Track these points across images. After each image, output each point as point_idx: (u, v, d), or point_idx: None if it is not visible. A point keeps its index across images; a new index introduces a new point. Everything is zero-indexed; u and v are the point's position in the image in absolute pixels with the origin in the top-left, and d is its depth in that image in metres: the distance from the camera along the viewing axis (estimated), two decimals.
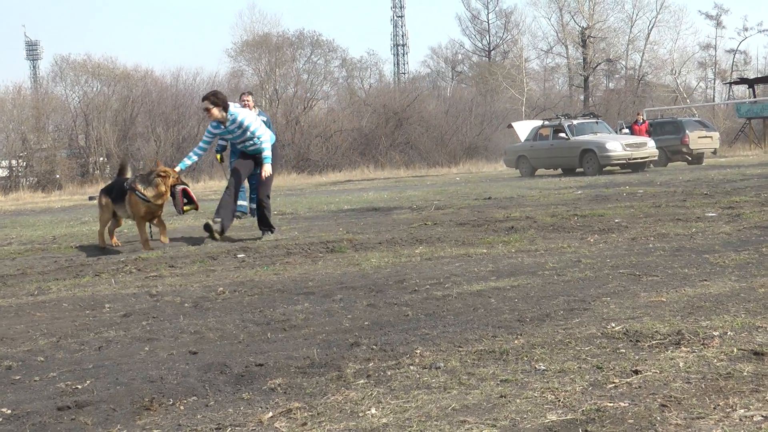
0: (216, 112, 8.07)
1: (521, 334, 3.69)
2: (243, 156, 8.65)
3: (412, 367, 3.25)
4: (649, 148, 22.02)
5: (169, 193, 8.00)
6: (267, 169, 8.21)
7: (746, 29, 58.63)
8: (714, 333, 3.49)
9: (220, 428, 2.69)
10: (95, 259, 7.47)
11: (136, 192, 7.94)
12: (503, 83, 48.31)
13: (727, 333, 3.48)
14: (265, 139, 8.28)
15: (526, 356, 3.31)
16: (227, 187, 8.43)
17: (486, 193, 14.55)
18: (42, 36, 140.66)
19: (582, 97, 53.08)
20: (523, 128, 25.88)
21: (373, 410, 2.76)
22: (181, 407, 2.95)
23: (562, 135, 22.42)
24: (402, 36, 78.24)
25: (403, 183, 24.13)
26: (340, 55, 54.41)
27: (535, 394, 2.81)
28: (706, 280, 4.76)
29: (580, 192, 13.71)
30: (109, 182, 9.67)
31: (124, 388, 3.15)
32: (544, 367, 3.13)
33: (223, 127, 8.24)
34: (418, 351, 3.49)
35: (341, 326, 4.12)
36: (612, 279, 4.98)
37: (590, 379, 2.95)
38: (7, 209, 21.33)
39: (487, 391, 2.88)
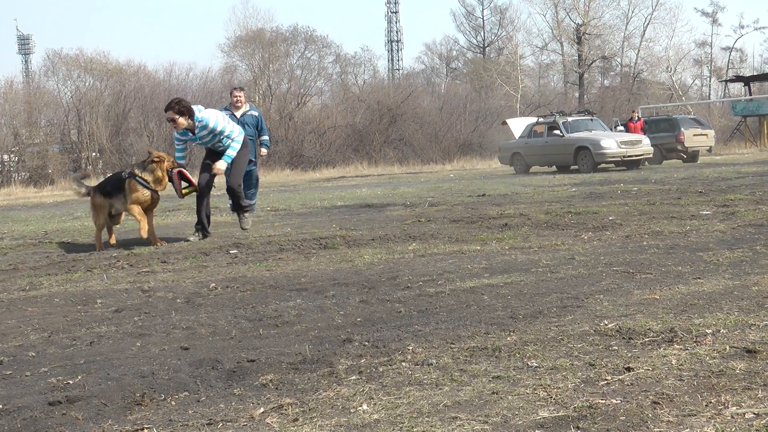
0: (183, 121, 7.76)
1: (514, 331, 3.69)
2: (211, 155, 8.33)
3: (404, 364, 3.25)
4: (644, 145, 22.05)
5: (167, 179, 7.93)
6: (219, 166, 8.04)
7: (742, 26, 58.98)
8: (707, 330, 3.49)
9: (212, 423, 2.68)
10: (87, 255, 7.45)
11: (137, 177, 7.81)
12: (498, 80, 48.33)
13: (720, 330, 3.49)
14: (235, 136, 8.09)
15: (519, 353, 3.30)
16: (197, 196, 8.24)
17: (480, 190, 14.55)
18: (34, 30, 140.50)
19: (577, 94, 53.25)
20: (518, 125, 25.92)
21: (364, 406, 2.76)
22: (173, 402, 2.94)
23: (557, 132, 22.43)
24: (396, 32, 78.07)
25: (397, 180, 24.13)
26: (334, 50, 54.47)
27: (527, 391, 2.81)
28: (699, 278, 4.76)
29: (574, 189, 13.73)
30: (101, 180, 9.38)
31: (115, 384, 3.14)
32: (536, 364, 3.13)
33: (191, 134, 8.01)
34: (411, 347, 3.48)
35: (333, 322, 4.11)
36: (605, 276, 4.98)
37: (582, 376, 2.95)
38: None
39: (479, 388, 2.88)
